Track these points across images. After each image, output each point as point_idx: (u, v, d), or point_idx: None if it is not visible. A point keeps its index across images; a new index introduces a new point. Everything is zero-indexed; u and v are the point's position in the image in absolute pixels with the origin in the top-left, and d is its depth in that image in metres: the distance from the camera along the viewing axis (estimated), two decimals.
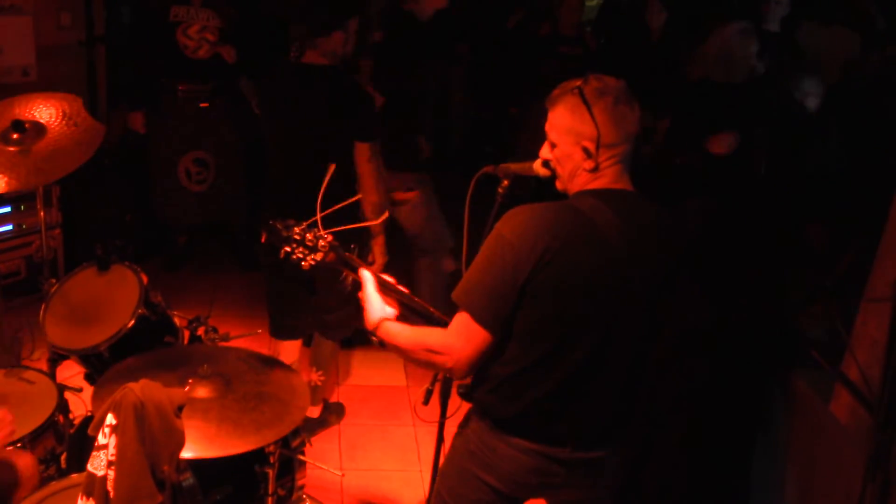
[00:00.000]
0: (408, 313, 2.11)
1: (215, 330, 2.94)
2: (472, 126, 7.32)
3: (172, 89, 4.66)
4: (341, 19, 3.15)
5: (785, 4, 4.97)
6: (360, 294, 2.11)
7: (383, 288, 2.11)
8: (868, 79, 4.57)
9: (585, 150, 1.94)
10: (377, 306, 2.07)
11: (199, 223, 5.07)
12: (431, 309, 2.13)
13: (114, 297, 2.91)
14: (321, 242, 2.08)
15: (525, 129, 5.45)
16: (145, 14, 4.68)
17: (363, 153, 3.17)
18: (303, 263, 2.07)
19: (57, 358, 2.90)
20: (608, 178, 1.97)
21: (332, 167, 2.24)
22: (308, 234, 2.08)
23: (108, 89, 5.04)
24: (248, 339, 2.80)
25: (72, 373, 3.04)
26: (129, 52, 4.81)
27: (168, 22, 4.54)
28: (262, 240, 2.14)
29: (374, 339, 2.07)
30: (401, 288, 2.14)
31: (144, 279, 2.94)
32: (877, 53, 4.67)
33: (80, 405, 2.90)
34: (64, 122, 2.98)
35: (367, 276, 2.09)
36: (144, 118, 4.72)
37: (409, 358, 2.02)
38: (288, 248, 2.07)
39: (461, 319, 1.93)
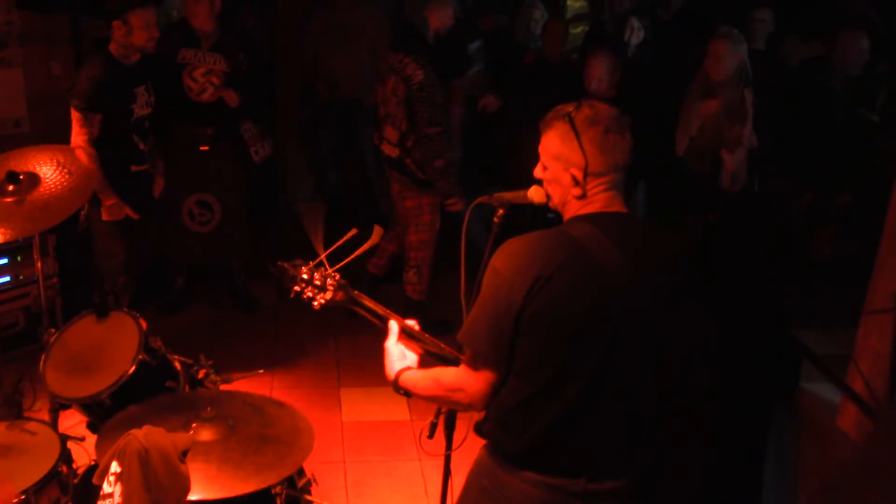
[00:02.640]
0: (431, 359, 2.14)
1: (217, 372, 2.96)
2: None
3: (174, 129, 4.68)
4: None
5: (769, 22, 5.05)
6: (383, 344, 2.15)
7: (405, 334, 2.15)
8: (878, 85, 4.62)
9: (573, 177, 1.96)
10: (396, 356, 2.12)
11: (200, 262, 5.09)
12: (446, 348, 2.15)
13: (113, 344, 2.92)
14: (329, 281, 2.10)
15: (516, 156, 5.52)
16: (155, 55, 4.76)
17: None
18: (313, 304, 2.10)
19: (58, 408, 2.89)
20: (599, 202, 1.97)
21: (353, 231, 2.27)
22: (316, 274, 2.10)
23: None
24: (250, 379, 2.81)
25: (74, 422, 3.04)
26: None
27: (176, 63, 4.59)
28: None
29: (398, 391, 2.11)
30: (423, 334, 2.18)
31: (143, 325, 2.95)
32: (883, 64, 4.72)
33: (83, 454, 2.89)
34: (58, 171, 3.02)
35: (392, 326, 2.15)
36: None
37: (434, 402, 2.07)
38: (297, 288, 2.10)
39: (467, 358, 1.97)
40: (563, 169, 1.98)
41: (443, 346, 2.19)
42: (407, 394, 2.10)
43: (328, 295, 2.10)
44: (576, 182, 1.96)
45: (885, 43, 4.78)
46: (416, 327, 2.24)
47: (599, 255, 1.88)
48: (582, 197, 1.97)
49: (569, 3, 8.43)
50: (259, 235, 5.31)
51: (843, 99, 4.59)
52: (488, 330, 1.90)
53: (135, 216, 4.18)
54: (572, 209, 2.01)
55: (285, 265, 2.12)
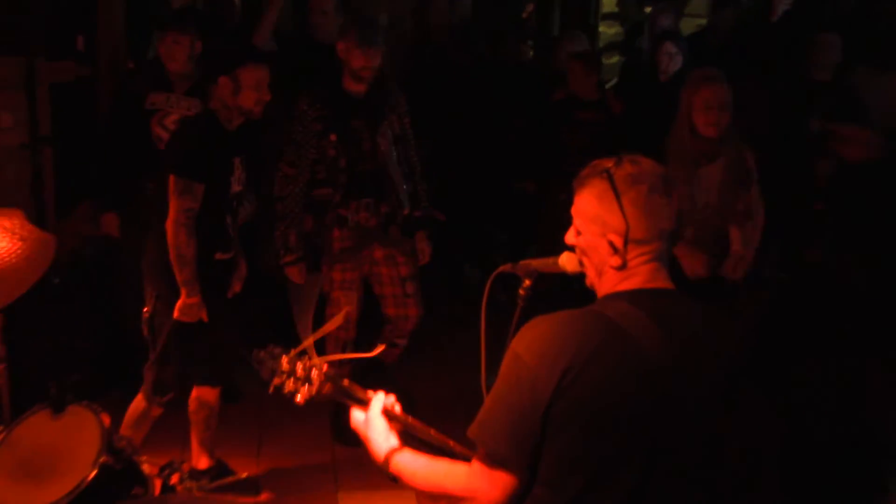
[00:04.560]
0: (423, 447, 2.12)
1: (193, 476, 2.94)
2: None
3: (142, 188, 4.68)
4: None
5: (837, 50, 5.09)
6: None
7: (391, 419, 2.13)
8: None
9: (612, 244, 1.97)
10: (382, 431, 2.10)
11: None
12: (450, 442, 2.13)
13: (71, 444, 2.91)
14: (314, 373, 2.09)
15: (545, 213, 5.59)
16: (122, 101, 4.84)
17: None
18: (296, 399, 2.09)
19: None
20: (641, 276, 1.99)
21: (345, 311, 2.28)
22: (298, 364, 2.10)
23: (57, 195, 5.13)
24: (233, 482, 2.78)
25: None
26: (102, 143, 4.94)
27: (144, 110, 4.67)
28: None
29: (386, 474, 2.08)
30: (412, 420, 2.16)
31: (106, 421, 2.95)
32: None
33: None
34: (7, 238, 3.03)
35: (376, 396, 2.14)
36: (118, 221, 4.83)
37: (434, 501, 2.03)
38: (277, 381, 2.09)
39: (480, 459, 1.93)
40: (600, 234, 1.99)
41: (433, 432, 2.18)
42: (395, 480, 2.07)
43: (313, 389, 2.09)
44: (614, 250, 1.97)
45: None
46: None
47: (641, 342, 1.87)
48: (621, 268, 1.98)
49: (602, 28, 8.60)
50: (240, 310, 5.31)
51: None
52: (509, 428, 1.88)
53: (206, 319, 3.90)
54: (609, 282, 2.02)
55: (262, 354, 2.12)
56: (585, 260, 2.07)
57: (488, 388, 2.00)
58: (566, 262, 2.21)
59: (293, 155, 4.46)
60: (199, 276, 3.83)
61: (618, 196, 1.95)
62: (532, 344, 1.90)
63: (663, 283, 2.00)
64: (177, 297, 3.81)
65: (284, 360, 2.11)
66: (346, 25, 4.47)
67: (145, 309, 3.89)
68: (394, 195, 4.62)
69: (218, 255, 4.02)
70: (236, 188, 4.01)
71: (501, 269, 2.34)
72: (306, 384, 2.10)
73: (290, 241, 4.50)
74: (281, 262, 4.54)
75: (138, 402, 4.05)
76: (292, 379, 2.10)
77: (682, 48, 5.58)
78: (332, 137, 4.43)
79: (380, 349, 2.33)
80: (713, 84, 4.06)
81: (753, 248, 4.13)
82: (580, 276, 2.13)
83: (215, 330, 3.92)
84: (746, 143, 4.15)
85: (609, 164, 2.00)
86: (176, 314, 3.83)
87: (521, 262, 2.35)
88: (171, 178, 3.75)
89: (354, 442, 2.18)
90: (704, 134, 4.05)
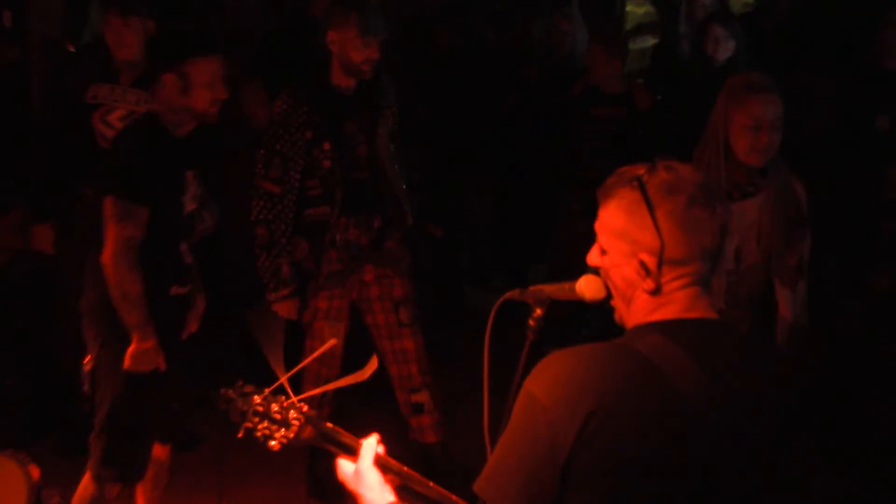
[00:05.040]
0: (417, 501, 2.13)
1: None
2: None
3: (81, 195, 4.66)
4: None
5: None
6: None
7: (386, 470, 2.11)
8: None
9: (643, 265, 1.96)
10: (377, 485, 2.07)
11: None
12: (454, 497, 2.13)
13: None
14: (292, 414, 2.09)
15: (557, 227, 5.56)
16: (58, 91, 4.83)
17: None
18: (270, 444, 2.07)
19: None
20: (678, 304, 1.97)
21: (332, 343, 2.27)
22: (274, 405, 2.09)
23: None
24: None
25: None
26: (35, 141, 4.93)
27: (83, 104, 4.64)
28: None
29: None
30: (409, 471, 2.15)
31: (35, 473, 2.93)
32: None
33: None
34: None
35: (368, 443, 2.12)
36: (53, 233, 4.81)
37: None
38: (248, 425, 2.08)
39: None
40: (630, 254, 1.97)
41: (433, 485, 2.17)
42: None
43: (290, 433, 2.08)
44: (647, 272, 1.96)
45: None
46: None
47: (678, 382, 1.86)
48: (655, 293, 1.97)
49: (629, 8, 8.60)
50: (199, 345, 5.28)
51: None
52: (522, 483, 1.86)
53: (164, 366, 3.72)
54: (640, 311, 2.00)
55: (230, 393, 2.10)
56: (611, 284, 2.05)
57: (492, 438, 2.02)
58: (585, 287, 2.20)
59: (278, 170, 4.32)
60: (152, 315, 3.63)
61: (651, 208, 1.93)
62: (550, 383, 1.88)
63: (704, 311, 1.98)
64: (124, 343, 3.60)
65: (257, 399, 2.10)
66: (338, 10, 4.27)
67: (86, 359, 3.72)
68: (392, 206, 4.52)
69: (174, 290, 3.83)
70: (190, 207, 3.82)
71: (508, 295, 2.33)
72: (283, 427, 2.09)
73: (282, 273, 4.37)
74: (270, 296, 4.40)
75: (86, 485, 3.71)
76: (267, 421, 2.08)
77: (734, 31, 5.47)
78: (326, 146, 4.31)
79: (371, 368, 2.27)
80: (763, 96, 3.52)
81: (806, 310, 3.71)
82: (602, 304, 2.13)
83: (170, 378, 3.73)
84: (793, 171, 3.69)
85: (640, 170, 1.98)
86: (127, 363, 3.59)
87: (531, 288, 2.33)
88: (108, 202, 3.55)
89: (334, 495, 2.17)
90: (746, 161, 3.55)
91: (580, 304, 2.25)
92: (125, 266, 3.52)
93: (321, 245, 4.41)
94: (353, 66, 4.24)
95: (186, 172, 3.75)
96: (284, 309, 4.38)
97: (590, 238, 2.07)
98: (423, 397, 4.59)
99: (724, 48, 5.43)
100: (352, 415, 4.71)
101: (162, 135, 3.65)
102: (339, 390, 4.36)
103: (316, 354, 2.37)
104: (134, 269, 3.54)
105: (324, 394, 4.28)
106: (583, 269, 2.15)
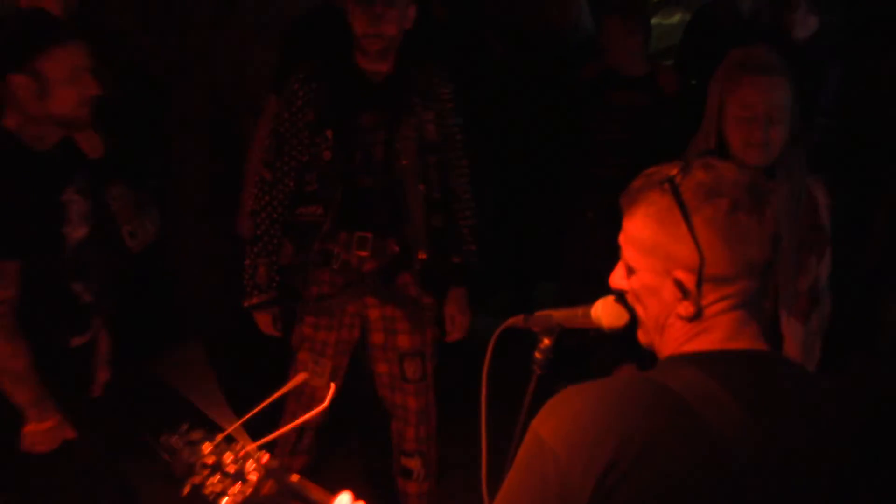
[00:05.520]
0: None
1: None
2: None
3: None
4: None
5: None
6: None
7: None
8: None
9: (679, 284, 1.81)
10: None
11: None
12: None
13: None
14: (250, 465, 1.93)
15: (568, 239, 5.21)
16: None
17: None
18: (223, 501, 1.92)
19: None
20: (721, 331, 1.83)
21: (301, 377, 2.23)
22: (227, 454, 1.94)
23: None
24: None
25: None
26: None
27: None
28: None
29: None
30: None
31: None
32: None
33: None
34: None
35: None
36: None
37: None
38: (196, 480, 1.93)
39: None
40: (662, 271, 1.84)
41: None
42: None
43: (248, 488, 1.94)
44: (683, 293, 1.81)
45: None
46: None
47: (716, 427, 1.73)
48: (694, 318, 1.82)
49: None
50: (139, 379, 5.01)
51: None
52: None
53: (72, 435, 3.32)
54: (675, 340, 1.86)
55: (170, 441, 1.97)
56: (640, 310, 1.92)
57: (491, 491, 1.96)
58: (602, 312, 2.06)
59: (273, 153, 3.86)
60: (51, 376, 3.19)
61: (687, 216, 1.79)
62: (562, 426, 1.75)
63: (751, 340, 1.84)
64: (16, 422, 3.16)
65: (206, 447, 1.96)
66: None
67: None
68: (409, 229, 3.91)
69: (74, 341, 3.37)
70: (79, 232, 3.30)
71: (510, 322, 2.24)
72: (238, 482, 1.94)
73: (258, 276, 3.89)
74: (245, 303, 3.94)
75: None
76: (218, 475, 1.95)
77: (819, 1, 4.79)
78: (329, 133, 3.77)
79: (329, 394, 2.12)
80: (759, 78, 3.11)
81: (819, 350, 3.27)
82: (624, 332, 2.03)
83: (80, 449, 3.33)
84: (815, 174, 3.28)
85: (672, 171, 1.84)
86: (26, 445, 3.19)
87: (538, 314, 2.22)
88: None
89: None
90: (743, 158, 3.09)
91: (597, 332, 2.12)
92: (1, 339, 3.07)
93: (308, 254, 3.92)
94: (359, 43, 3.75)
95: (65, 190, 3.25)
96: (259, 320, 3.96)
97: (605, 251, 2.00)
98: (413, 464, 4.16)
99: (807, 24, 4.77)
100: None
101: (19, 158, 3.15)
102: (321, 435, 4.11)
103: (278, 394, 2.17)
104: (12, 340, 3.08)
105: (297, 439, 4.01)
106: (598, 290, 2.05)
